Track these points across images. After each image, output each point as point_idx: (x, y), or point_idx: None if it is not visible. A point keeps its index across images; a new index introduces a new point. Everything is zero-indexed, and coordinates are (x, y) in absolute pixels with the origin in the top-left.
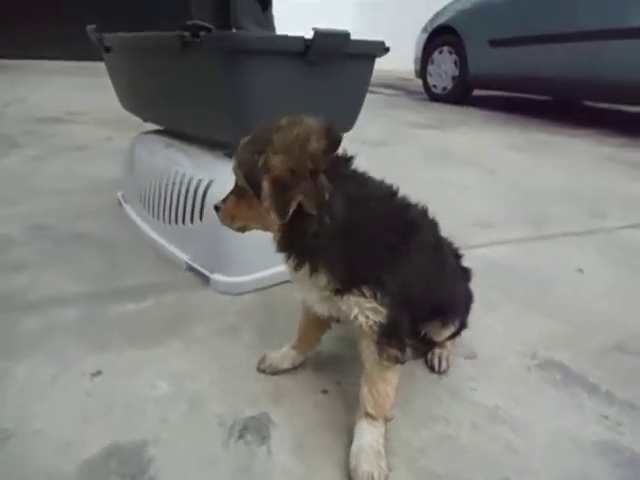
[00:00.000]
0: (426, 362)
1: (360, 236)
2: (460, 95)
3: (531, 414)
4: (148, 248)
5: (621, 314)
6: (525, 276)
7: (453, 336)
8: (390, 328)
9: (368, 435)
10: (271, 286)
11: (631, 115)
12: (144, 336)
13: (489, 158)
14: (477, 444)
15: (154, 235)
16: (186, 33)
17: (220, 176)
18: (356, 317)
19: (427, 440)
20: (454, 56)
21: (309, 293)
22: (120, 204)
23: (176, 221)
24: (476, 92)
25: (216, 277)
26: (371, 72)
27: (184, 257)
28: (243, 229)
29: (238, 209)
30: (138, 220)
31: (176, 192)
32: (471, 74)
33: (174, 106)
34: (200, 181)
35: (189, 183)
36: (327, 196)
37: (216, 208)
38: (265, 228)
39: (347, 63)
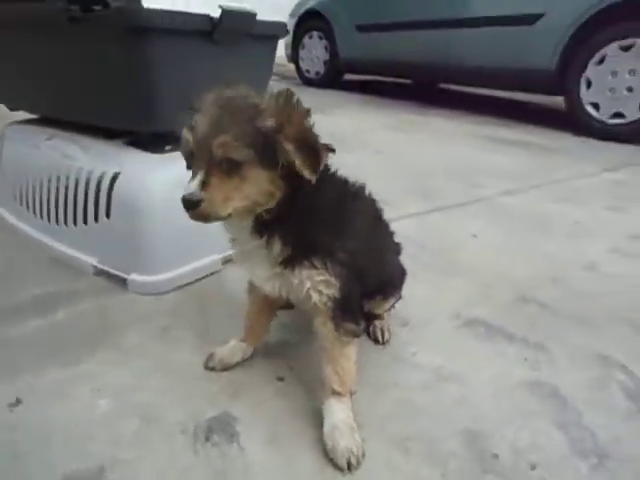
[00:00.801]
0: (369, 335)
1: (311, 204)
2: (332, 79)
3: (468, 367)
4: (39, 255)
5: (515, 270)
6: (431, 245)
7: (389, 308)
8: (343, 302)
9: (339, 412)
10: (194, 281)
11: (479, 97)
12: (65, 352)
13: (372, 139)
14: (432, 402)
15: (46, 239)
16: (73, 7)
17: (128, 167)
18: (309, 294)
19: (387, 407)
20: (324, 41)
21: (260, 270)
22: None
23: (75, 222)
24: (348, 76)
25: (134, 278)
26: (274, 54)
27: (90, 260)
28: (229, 215)
29: (230, 188)
30: (20, 224)
31: (72, 189)
32: (341, 59)
33: (61, 92)
34: (103, 174)
35: (88, 178)
36: None
37: (193, 203)
38: (254, 207)
39: (252, 44)
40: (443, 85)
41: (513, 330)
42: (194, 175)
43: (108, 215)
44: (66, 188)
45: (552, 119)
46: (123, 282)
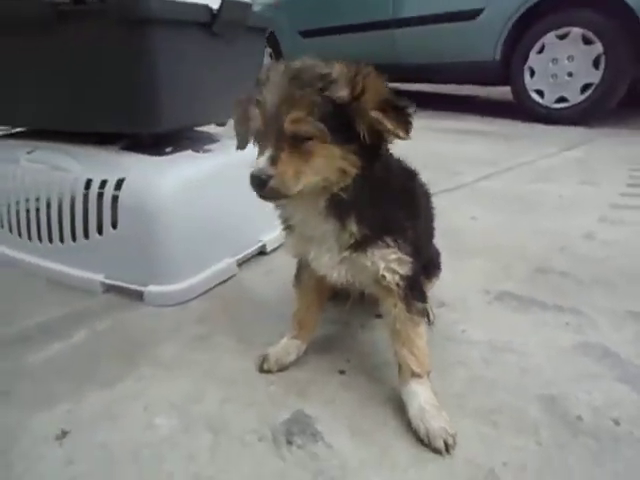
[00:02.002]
0: None
1: (382, 181)
2: None
3: (517, 337)
4: (36, 280)
5: (522, 245)
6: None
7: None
8: (412, 281)
9: (422, 394)
10: (212, 288)
11: (424, 94)
12: (99, 373)
13: None
14: (498, 374)
15: (41, 262)
16: (63, 0)
17: (133, 173)
18: (383, 276)
19: (459, 385)
20: (268, 49)
21: (327, 256)
22: None
23: (74, 238)
24: None
25: (151, 289)
26: (264, 47)
27: (96, 277)
28: (299, 192)
29: (300, 163)
30: (8, 251)
31: (68, 202)
32: None
33: (50, 99)
34: (104, 183)
35: (87, 188)
36: None
37: (262, 180)
38: (329, 185)
39: (247, 36)
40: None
41: (543, 299)
42: (262, 152)
43: (114, 225)
44: (60, 202)
45: (498, 109)
46: (137, 295)
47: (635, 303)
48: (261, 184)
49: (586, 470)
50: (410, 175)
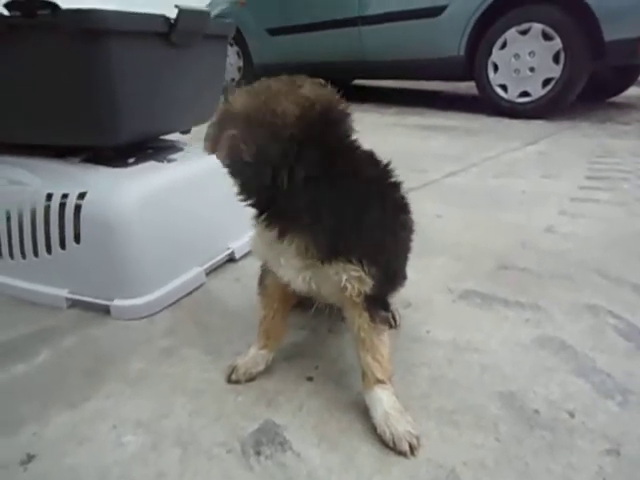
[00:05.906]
0: None
1: (350, 188)
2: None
3: (479, 335)
4: None
5: (486, 241)
6: None
7: None
8: (376, 296)
9: (386, 399)
10: (180, 299)
11: (391, 90)
12: (65, 393)
13: None
14: (461, 374)
15: (1, 279)
16: (13, 13)
17: (95, 185)
18: (345, 287)
19: (422, 386)
20: (235, 47)
21: (287, 261)
22: None
23: (36, 253)
24: None
25: (117, 303)
26: (226, 54)
27: (61, 292)
28: None
29: None
30: None
31: (28, 217)
32: (255, 64)
33: (3, 112)
34: (66, 196)
35: (48, 202)
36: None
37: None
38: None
39: (206, 45)
40: (356, 82)
41: (505, 295)
42: None
43: (78, 240)
44: (20, 217)
45: (464, 104)
46: (103, 310)
47: (591, 296)
48: None
49: (542, 463)
50: (383, 177)
